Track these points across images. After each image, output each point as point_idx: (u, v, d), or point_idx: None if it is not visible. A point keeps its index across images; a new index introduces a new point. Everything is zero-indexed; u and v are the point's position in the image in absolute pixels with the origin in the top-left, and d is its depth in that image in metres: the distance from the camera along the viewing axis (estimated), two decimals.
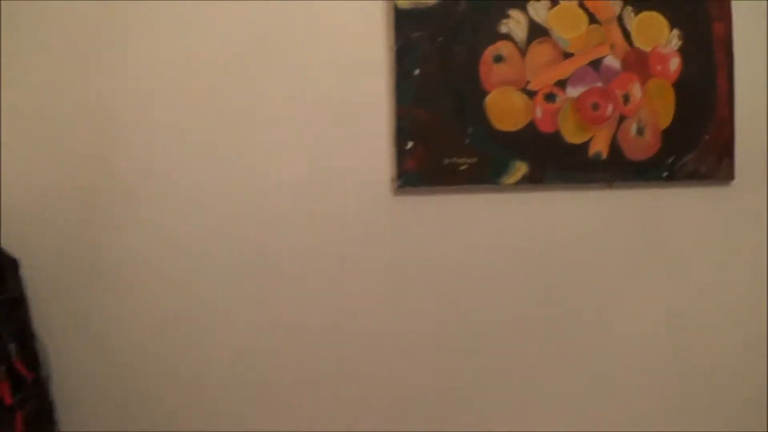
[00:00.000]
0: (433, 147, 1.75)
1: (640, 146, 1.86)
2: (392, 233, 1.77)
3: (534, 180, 1.80)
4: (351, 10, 1.75)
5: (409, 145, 1.74)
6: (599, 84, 1.83)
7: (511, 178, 1.79)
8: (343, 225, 1.75)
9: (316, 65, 1.73)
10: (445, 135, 1.76)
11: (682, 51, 1.88)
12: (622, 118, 1.84)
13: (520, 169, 1.79)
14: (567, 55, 1.81)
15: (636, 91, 1.85)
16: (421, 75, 1.74)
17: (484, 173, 1.77)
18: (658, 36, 1.87)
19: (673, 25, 1.88)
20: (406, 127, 1.74)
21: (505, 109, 1.78)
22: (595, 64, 1.83)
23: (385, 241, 1.77)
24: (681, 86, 1.88)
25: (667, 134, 1.87)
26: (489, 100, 1.77)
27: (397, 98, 1.74)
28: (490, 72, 1.77)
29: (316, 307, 1.74)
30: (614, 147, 1.84)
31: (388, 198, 1.77)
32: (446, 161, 1.76)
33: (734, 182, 1.93)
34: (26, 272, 1.62)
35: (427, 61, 1.75)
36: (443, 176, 1.76)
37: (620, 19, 1.85)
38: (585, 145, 1.82)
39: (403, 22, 1.73)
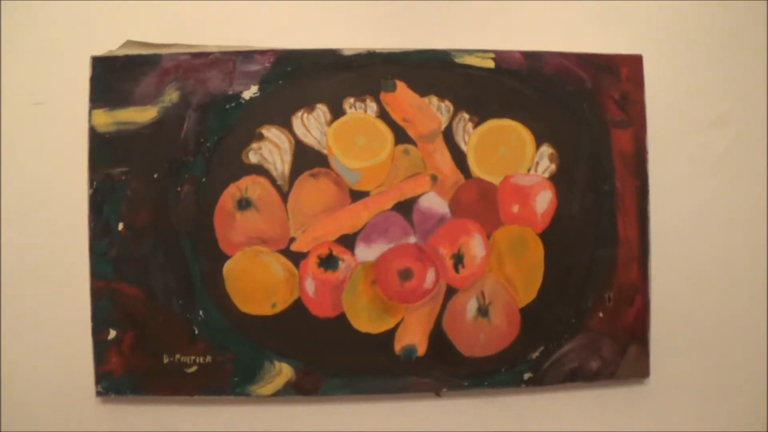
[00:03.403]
0: (148, 339, 1.14)
1: (484, 335, 1.17)
2: None
3: (304, 389, 1.16)
4: (46, 136, 1.17)
5: (112, 334, 1.14)
6: (412, 239, 1.16)
7: (268, 387, 1.15)
8: None
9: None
10: (164, 322, 1.14)
11: (557, 180, 1.18)
12: (451, 292, 1.16)
13: (282, 372, 1.15)
14: (357, 195, 1.15)
15: (475, 247, 1.17)
16: (127, 232, 1.13)
17: (224, 379, 1.15)
18: (516, 158, 1.18)
19: (540, 138, 1.18)
20: (105, 310, 1.14)
21: (256, 281, 1.14)
22: (405, 207, 1.16)
23: None
24: (554, 236, 1.18)
25: (530, 314, 1.18)
26: (229, 268, 1.14)
27: (91, 267, 1.14)
28: (230, 225, 1.14)
29: None
30: (437, 337, 1.17)
31: (91, 409, 1.18)
32: (167, 360, 1.15)
33: (649, 381, 1.22)
34: None
35: (135, 211, 1.14)
36: (164, 382, 1.15)
37: (449, 135, 1.16)
38: (388, 337, 1.16)
39: (101, 153, 1.13)
